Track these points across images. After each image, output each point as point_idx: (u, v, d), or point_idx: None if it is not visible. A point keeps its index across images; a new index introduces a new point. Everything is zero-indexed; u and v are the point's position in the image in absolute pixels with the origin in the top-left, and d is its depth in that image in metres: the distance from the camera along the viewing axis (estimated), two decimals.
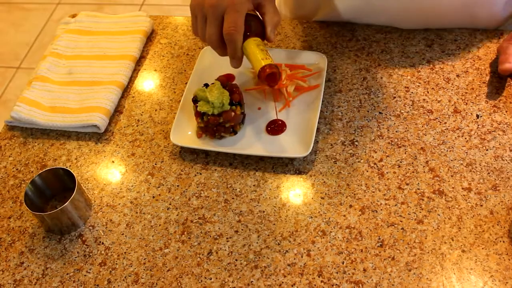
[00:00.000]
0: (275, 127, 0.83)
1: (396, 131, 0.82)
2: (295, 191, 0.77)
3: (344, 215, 0.74)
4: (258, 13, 0.79)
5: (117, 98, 0.91)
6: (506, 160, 0.76)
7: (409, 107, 0.84)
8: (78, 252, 0.75)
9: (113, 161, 0.85)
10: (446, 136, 0.80)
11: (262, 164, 0.81)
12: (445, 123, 0.82)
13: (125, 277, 0.72)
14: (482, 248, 0.69)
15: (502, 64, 0.83)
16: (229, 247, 0.73)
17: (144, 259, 0.73)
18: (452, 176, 0.76)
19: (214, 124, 0.80)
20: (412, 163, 0.78)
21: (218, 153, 0.83)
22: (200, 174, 0.81)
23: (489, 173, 0.76)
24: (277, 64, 0.89)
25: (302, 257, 0.71)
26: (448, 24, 0.93)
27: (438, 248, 0.70)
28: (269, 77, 0.76)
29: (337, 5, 0.94)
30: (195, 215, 0.77)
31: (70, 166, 0.85)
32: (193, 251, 0.73)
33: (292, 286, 0.69)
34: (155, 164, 0.83)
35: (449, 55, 0.90)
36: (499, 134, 0.79)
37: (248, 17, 0.75)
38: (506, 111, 0.82)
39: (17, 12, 2.61)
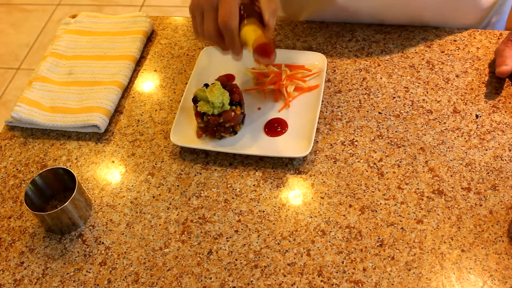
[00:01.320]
0: (278, 128, 0.83)
1: (396, 131, 0.82)
2: (295, 191, 0.77)
3: (344, 215, 0.74)
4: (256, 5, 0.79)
5: (117, 98, 0.92)
6: (505, 160, 0.77)
7: (409, 107, 0.84)
8: (78, 252, 0.75)
9: (113, 161, 0.85)
10: (446, 136, 0.80)
11: (262, 164, 0.81)
12: (445, 123, 0.82)
13: (125, 277, 0.72)
14: (482, 248, 0.69)
15: (499, 66, 0.84)
16: (229, 247, 0.73)
17: (144, 258, 0.73)
18: (451, 176, 0.76)
19: (214, 124, 0.81)
20: (412, 163, 0.78)
21: (218, 153, 0.83)
22: (200, 174, 0.81)
23: (488, 173, 0.76)
24: (277, 64, 0.90)
25: (302, 256, 0.71)
26: (431, 17, 0.93)
27: (438, 247, 0.70)
28: (261, 50, 0.73)
29: (322, 3, 0.95)
30: (195, 214, 0.77)
31: (70, 166, 0.85)
32: (193, 250, 0.73)
33: (292, 285, 0.69)
34: (155, 164, 0.83)
35: (448, 56, 0.90)
36: (498, 134, 0.80)
37: (244, 7, 0.75)
38: (505, 111, 0.82)
39: (17, 13, 2.62)
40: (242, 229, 0.74)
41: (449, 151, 0.79)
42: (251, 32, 0.74)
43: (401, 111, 0.84)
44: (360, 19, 0.96)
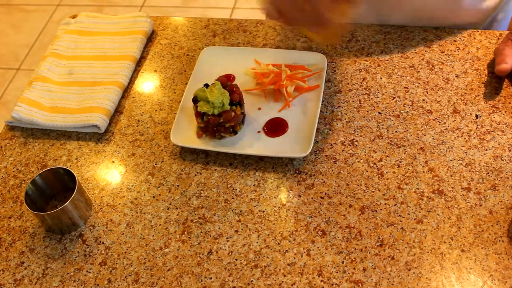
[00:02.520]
0: (278, 128, 0.83)
1: (396, 131, 0.82)
2: (295, 191, 0.77)
3: (344, 215, 0.74)
4: None
5: (117, 99, 0.92)
6: (505, 160, 0.77)
7: (409, 107, 0.84)
8: (78, 252, 0.75)
9: (113, 161, 0.85)
10: (446, 136, 0.80)
11: (262, 164, 0.81)
12: (445, 123, 0.82)
13: (125, 277, 0.72)
14: (482, 248, 0.69)
15: (499, 65, 0.84)
16: (229, 247, 0.73)
17: (144, 258, 0.73)
18: (451, 176, 0.76)
19: (214, 124, 0.81)
20: (412, 163, 0.78)
21: (218, 153, 0.83)
22: (200, 174, 0.81)
23: (488, 173, 0.76)
24: (277, 64, 0.90)
25: (302, 256, 0.71)
26: (435, 18, 0.93)
27: (438, 247, 0.70)
28: None
29: None
30: (195, 214, 0.77)
31: (70, 166, 0.85)
32: (193, 250, 0.73)
33: (292, 285, 0.69)
34: (155, 164, 0.83)
35: (448, 56, 0.90)
36: (498, 134, 0.80)
37: None
38: (505, 112, 0.82)
39: (17, 14, 2.62)
40: (242, 229, 0.74)
41: (449, 151, 0.79)
42: None
43: (401, 111, 0.84)
44: (363, 20, 0.96)
